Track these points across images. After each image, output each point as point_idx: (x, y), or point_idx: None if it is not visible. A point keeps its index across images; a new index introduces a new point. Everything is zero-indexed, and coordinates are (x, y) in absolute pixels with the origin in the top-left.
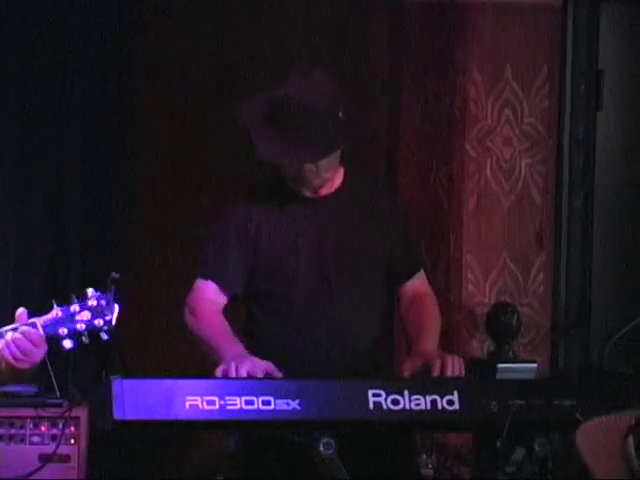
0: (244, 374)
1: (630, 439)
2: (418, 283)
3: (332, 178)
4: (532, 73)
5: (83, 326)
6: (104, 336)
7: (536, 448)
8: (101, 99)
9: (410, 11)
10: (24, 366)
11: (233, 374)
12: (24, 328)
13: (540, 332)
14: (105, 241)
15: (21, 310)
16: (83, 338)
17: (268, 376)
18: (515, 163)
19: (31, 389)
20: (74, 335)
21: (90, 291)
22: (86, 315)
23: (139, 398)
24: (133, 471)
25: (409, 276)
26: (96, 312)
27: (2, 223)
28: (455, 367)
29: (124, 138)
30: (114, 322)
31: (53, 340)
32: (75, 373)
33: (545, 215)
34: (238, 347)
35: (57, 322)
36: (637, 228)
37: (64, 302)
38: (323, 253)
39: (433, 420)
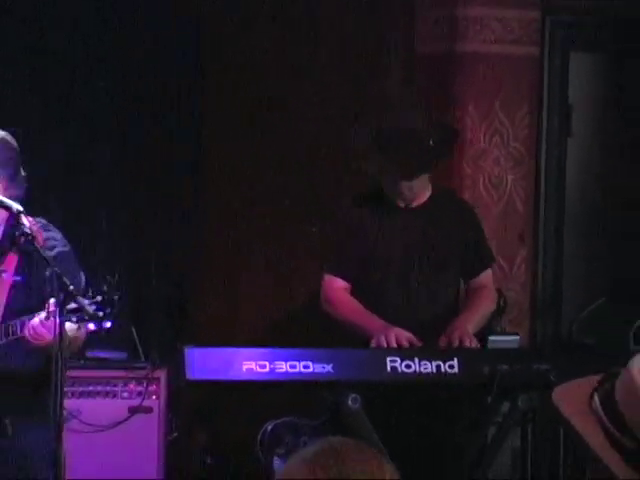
0: (394, 343)
1: (595, 395)
2: (484, 278)
3: (421, 194)
4: (516, 107)
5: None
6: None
7: (519, 403)
8: (172, 98)
9: (419, 59)
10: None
11: (384, 344)
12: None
13: (521, 311)
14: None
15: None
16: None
17: (411, 345)
18: (502, 179)
19: (122, 355)
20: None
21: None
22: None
23: (206, 362)
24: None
25: (478, 273)
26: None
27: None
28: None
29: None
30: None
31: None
32: (156, 342)
33: (526, 220)
34: (378, 321)
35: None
36: (600, 231)
37: None
38: (410, 251)
39: (437, 381)
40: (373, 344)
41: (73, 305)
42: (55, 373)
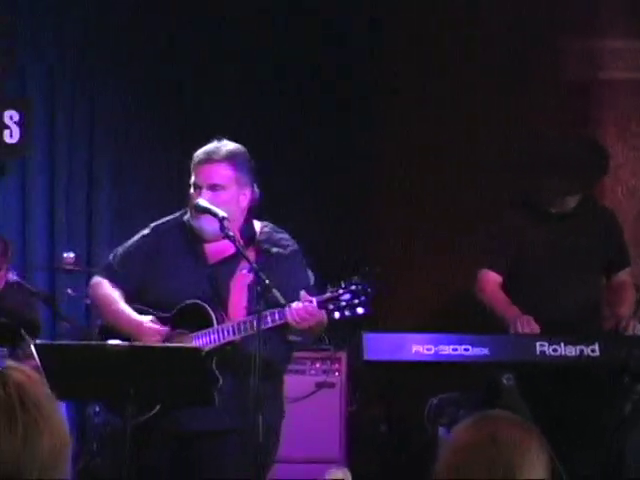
0: (527, 330)
1: None
2: (624, 274)
3: (574, 203)
4: None
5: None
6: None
7: None
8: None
9: (564, 85)
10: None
11: (520, 330)
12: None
13: None
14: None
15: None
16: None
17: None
18: (638, 188)
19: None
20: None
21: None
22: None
23: (380, 345)
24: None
25: (619, 270)
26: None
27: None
28: (637, 328)
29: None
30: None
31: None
32: (339, 327)
33: None
34: (515, 310)
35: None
36: None
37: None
38: (561, 250)
39: (580, 363)
40: (511, 330)
41: (329, 294)
42: (255, 356)
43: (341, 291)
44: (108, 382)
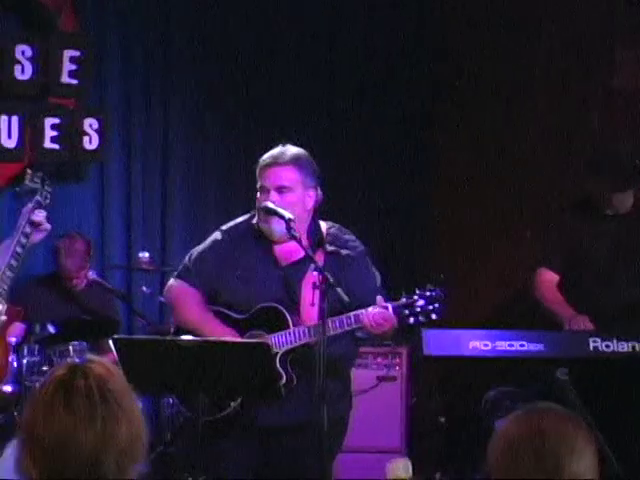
0: (582, 327)
1: None
2: None
3: (627, 204)
4: None
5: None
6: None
7: None
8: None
9: (617, 92)
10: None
11: (580, 327)
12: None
13: None
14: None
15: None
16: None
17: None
18: None
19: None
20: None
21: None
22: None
23: (440, 341)
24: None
25: None
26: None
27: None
28: None
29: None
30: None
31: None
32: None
33: None
34: (569, 310)
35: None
36: None
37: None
38: (615, 252)
39: (632, 358)
40: (567, 327)
41: (404, 300)
42: (319, 355)
43: (416, 297)
44: (181, 376)
